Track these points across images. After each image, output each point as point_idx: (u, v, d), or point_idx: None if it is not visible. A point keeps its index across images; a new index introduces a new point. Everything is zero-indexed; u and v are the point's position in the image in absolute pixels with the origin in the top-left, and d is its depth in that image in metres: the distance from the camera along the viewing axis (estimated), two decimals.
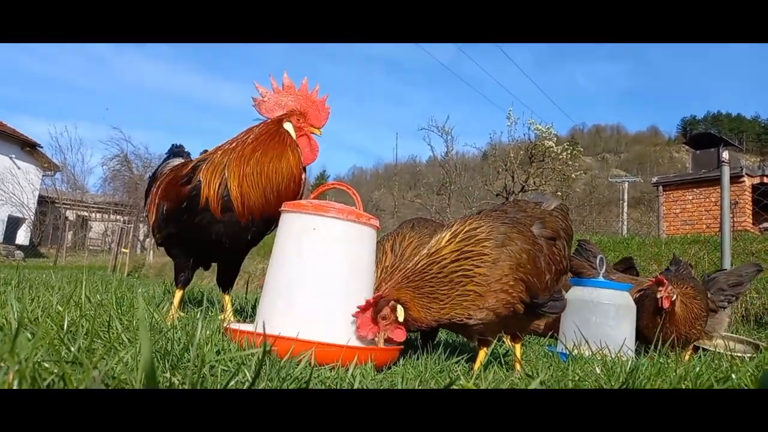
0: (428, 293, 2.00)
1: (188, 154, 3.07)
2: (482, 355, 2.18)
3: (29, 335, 1.26)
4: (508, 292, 1.99)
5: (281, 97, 2.49)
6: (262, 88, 2.51)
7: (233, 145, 2.47)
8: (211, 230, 2.41)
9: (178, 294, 2.61)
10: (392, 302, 2.00)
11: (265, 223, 2.46)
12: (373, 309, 2.01)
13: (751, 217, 14.37)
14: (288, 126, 2.45)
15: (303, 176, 2.50)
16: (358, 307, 2.02)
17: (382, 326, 2.01)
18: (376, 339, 2.02)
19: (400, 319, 2.01)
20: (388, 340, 2.04)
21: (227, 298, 2.78)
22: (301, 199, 2.44)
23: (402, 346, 2.12)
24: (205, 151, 2.83)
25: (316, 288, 2.06)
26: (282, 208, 2.23)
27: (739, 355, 3.42)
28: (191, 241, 2.52)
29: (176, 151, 3.11)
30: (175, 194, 2.50)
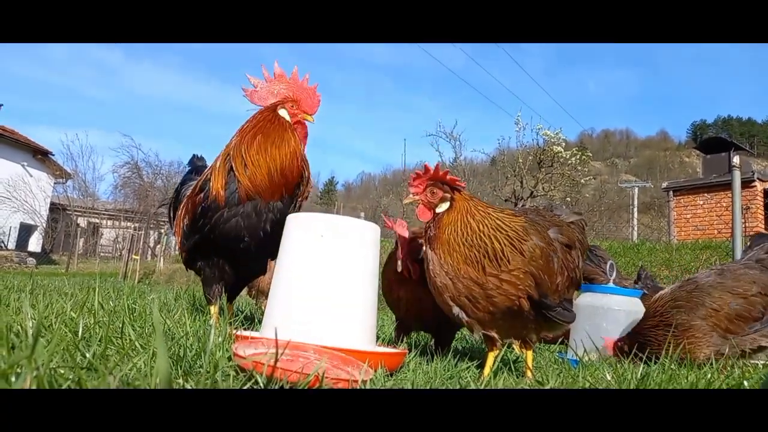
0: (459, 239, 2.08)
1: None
2: (491, 359, 2.18)
3: (44, 341, 1.28)
4: (514, 284, 2.00)
5: (273, 86, 2.48)
6: (254, 79, 2.49)
7: (235, 137, 2.46)
8: (228, 228, 2.37)
9: (213, 309, 2.54)
10: (446, 194, 2.13)
11: (279, 211, 2.42)
12: (432, 180, 2.14)
13: (763, 222, 14.25)
14: (283, 112, 2.45)
15: (305, 159, 2.50)
16: (421, 169, 2.17)
17: (426, 192, 2.14)
18: (415, 197, 2.16)
19: (438, 210, 2.14)
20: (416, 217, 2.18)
21: (231, 308, 2.82)
22: (304, 180, 2.51)
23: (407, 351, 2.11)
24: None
25: (327, 294, 2.07)
26: (289, 217, 2.25)
27: (752, 362, 3.38)
28: (213, 250, 2.48)
29: (198, 165, 3.10)
30: (192, 205, 2.52)
